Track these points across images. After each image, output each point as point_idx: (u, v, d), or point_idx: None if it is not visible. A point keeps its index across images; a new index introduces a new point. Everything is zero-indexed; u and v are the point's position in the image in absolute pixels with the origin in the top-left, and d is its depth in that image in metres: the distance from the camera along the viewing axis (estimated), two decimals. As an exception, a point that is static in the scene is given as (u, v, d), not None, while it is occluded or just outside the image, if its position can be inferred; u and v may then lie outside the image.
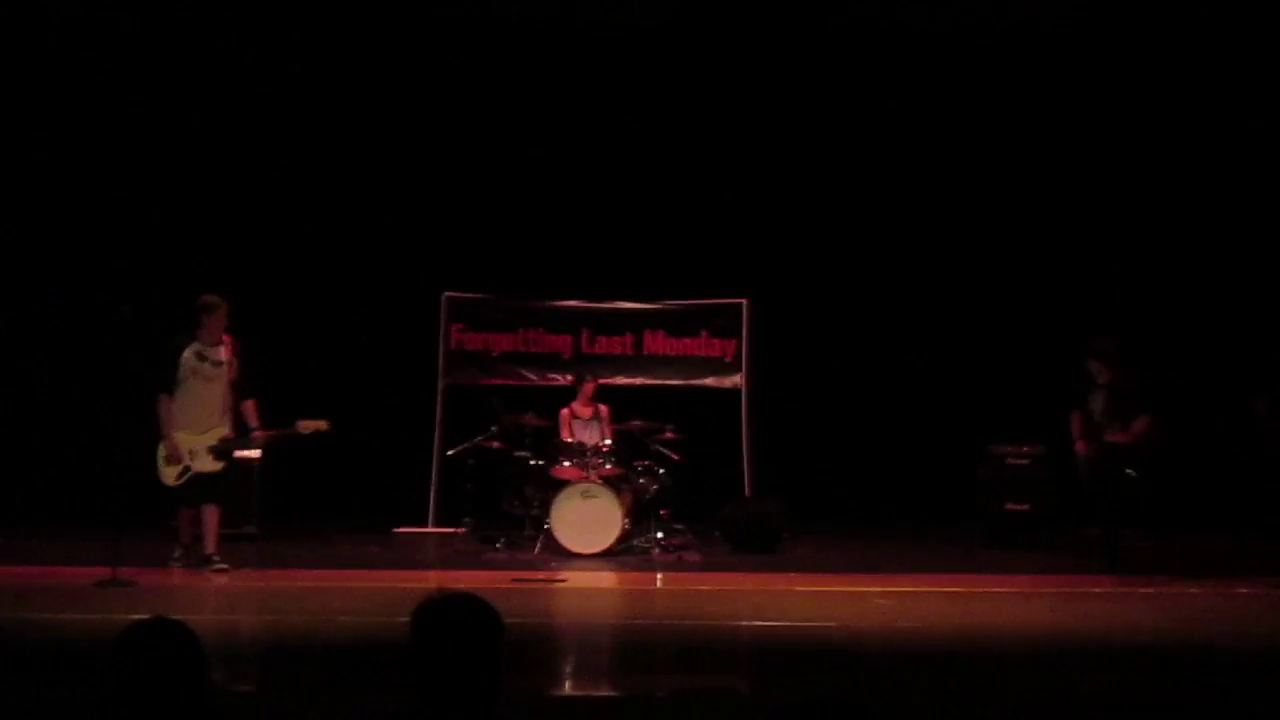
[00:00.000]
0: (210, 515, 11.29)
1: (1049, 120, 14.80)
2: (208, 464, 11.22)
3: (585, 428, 13.11)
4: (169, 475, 11.24)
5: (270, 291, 12.29)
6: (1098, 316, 13.82)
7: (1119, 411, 11.70)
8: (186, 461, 11.16)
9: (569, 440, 12.91)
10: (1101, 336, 11.94)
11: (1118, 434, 11.64)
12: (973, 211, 15.00)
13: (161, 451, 11.24)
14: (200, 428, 11.21)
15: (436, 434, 14.27)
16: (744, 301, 14.61)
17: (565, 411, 13.24)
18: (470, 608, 3.84)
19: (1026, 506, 13.09)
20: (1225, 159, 14.61)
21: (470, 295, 14.71)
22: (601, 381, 13.66)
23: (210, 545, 11.27)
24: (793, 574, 11.59)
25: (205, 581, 11.00)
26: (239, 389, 11.40)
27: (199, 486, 11.25)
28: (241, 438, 11.40)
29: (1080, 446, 11.88)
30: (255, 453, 12.18)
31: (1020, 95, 14.75)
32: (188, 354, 11.22)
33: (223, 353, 11.27)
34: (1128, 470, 11.59)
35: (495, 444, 13.03)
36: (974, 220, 14.98)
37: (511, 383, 14.44)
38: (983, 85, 14.80)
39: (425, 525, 14.04)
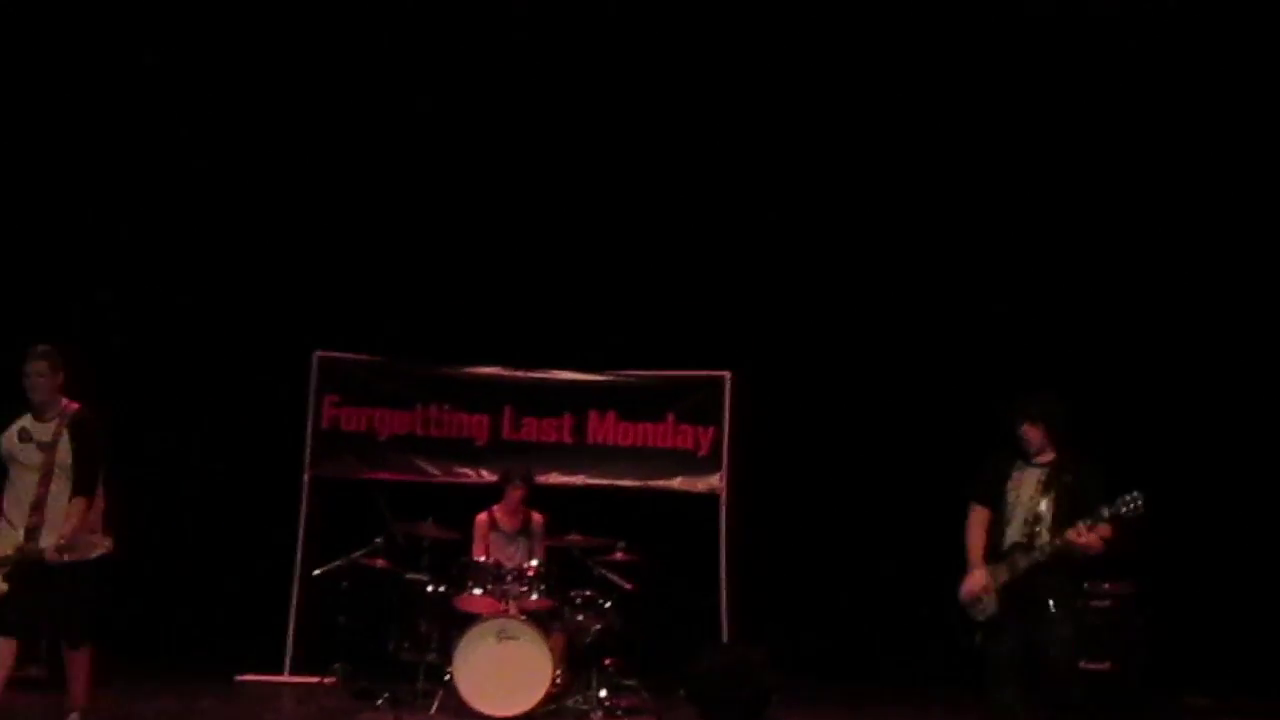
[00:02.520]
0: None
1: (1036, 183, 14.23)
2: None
3: (509, 543, 12.05)
4: None
5: (94, 350, 11.08)
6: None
7: (1068, 508, 8.73)
8: None
9: (483, 560, 11.64)
10: (1041, 391, 9.34)
11: (1075, 530, 8.52)
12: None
13: None
14: (8, 530, 9.56)
15: (299, 545, 13.29)
16: (726, 375, 13.73)
17: (483, 518, 12.11)
18: None
19: (1106, 665, 11.87)
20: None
21: (351, 356, 13.84)
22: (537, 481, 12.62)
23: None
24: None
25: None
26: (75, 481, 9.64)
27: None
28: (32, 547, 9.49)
29: (976, 574, 8.90)
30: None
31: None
32: (11, 430, 9.66)
33: (51, 430, 9.63)
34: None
35: (380, 561, 12.03)
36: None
37: (405, 478, 13.62)
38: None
39: (280, 672, 13.02)
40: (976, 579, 8.92)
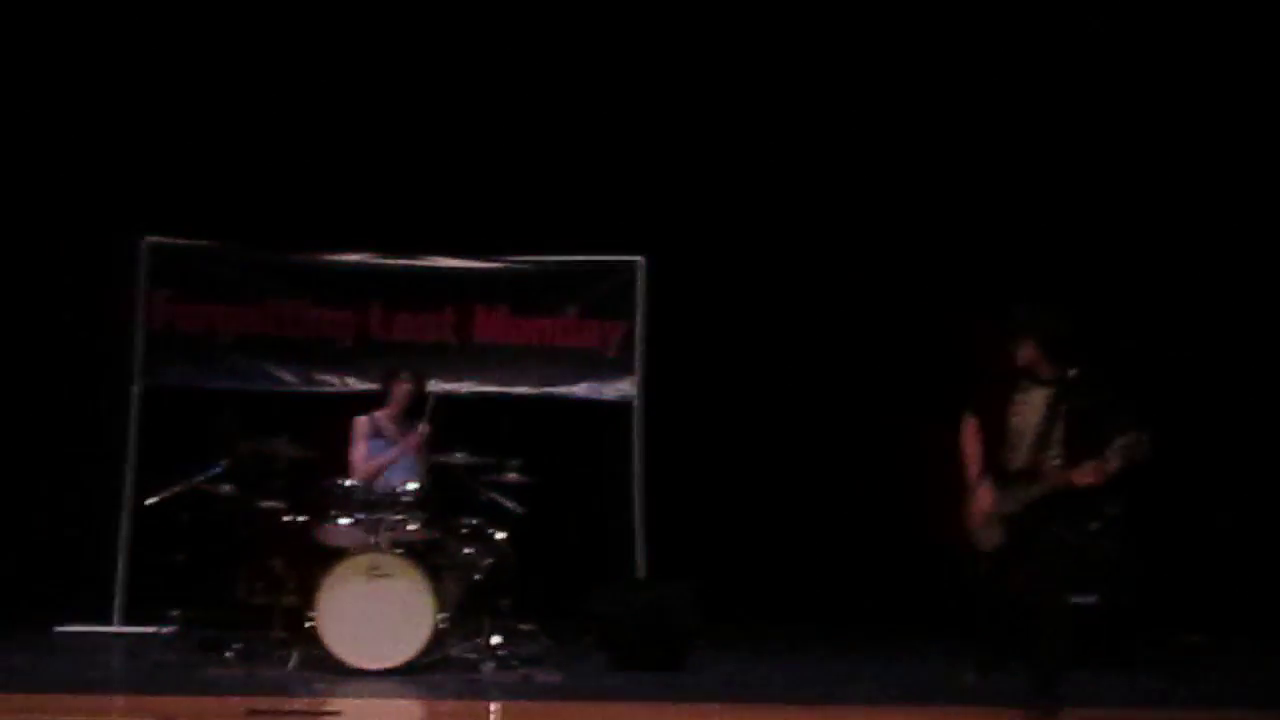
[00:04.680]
0: None
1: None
2: None
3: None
4: None
5: None
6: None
7: (1080, 434, 9.02)
8: None
9: (354, 482, 11.26)
10: (1032, 302, 9.53)
11: (1080, 471, 8.85)
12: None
13: None
14: None
15: (128, 471, 12.83)
16: (639, 259, 13.29)
17: (363, 422, 11.70)
18: None
19: (1094, 599, 11.55)
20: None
21: (188, 242, 13.22)
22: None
23: None
24: (708, 704, 10.17)
25: None
26: None
27: None
28: None
29: (982, 495, 9.29)
30: None
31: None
32: None
33: None
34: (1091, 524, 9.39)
35: (226, 488, 11.49)
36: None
37: (254, 387, 13.21)
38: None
39: (108, 621, 12.60)
40: (985, 499, 9.06)
